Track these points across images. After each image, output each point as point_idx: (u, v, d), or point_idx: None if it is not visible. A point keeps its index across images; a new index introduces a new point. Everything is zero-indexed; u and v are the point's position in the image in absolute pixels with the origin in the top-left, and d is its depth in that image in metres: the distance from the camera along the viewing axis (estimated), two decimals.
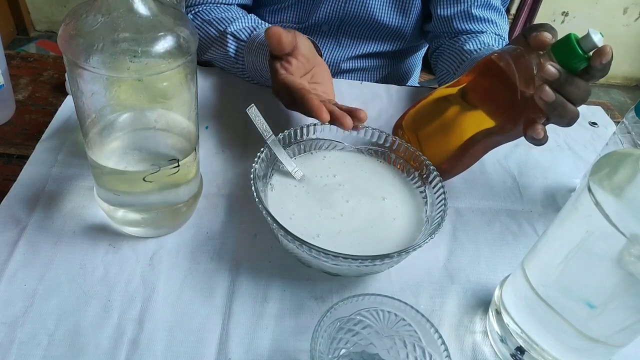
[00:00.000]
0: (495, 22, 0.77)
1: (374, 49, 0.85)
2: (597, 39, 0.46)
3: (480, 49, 0.71)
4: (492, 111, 0.54)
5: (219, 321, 0.46)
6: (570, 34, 0.47)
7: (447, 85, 0.59)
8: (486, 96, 0.55)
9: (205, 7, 0.74)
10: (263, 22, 0.72)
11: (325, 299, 0.49)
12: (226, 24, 0.70)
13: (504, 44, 0.77)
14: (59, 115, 0.64)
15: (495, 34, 0.77)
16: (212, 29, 0.71)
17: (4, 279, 0.47)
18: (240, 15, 0.72)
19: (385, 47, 0.85)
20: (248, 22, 0.71)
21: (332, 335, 0.42)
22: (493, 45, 0.72)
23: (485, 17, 0.77)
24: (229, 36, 0.69)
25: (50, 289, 0.46)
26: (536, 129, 0.48)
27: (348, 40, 0.83)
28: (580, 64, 0.47)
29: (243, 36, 0.68)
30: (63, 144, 0.60)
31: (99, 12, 0.39)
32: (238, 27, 0.69)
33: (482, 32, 0.76)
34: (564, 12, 2.35)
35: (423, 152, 0.57)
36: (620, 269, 0.36)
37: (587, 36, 0.46)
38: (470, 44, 0.73)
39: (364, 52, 0.85)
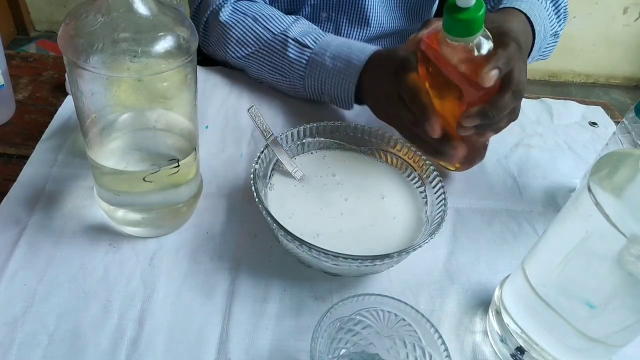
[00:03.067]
0: None
1: (375, 35, 0.83)
2: None
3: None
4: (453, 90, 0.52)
5: (219, 321, 0.46)
6: (445, 6, 0.47)
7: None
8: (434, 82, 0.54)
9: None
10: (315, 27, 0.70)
11: (325, 299, 0.49)
12: (282, 26, 0.68)
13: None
14: (59, 115, 0.64)
15: None
16: (258, 27, 0.68)
17: (4, 279, 0.47)
18: (292, 19, 0.69)
19: (385, 31, 0.83)
20: (305, 26, 0.68)
21: (332, 335, 0.42)
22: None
23: None
24: (290, 40, 0.66)
25: (50, 289, 0.46)
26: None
27: (348, 27, 0.82)
28: (475, 24, 0.47)
29: (307, 42, 0.66)
30: (63, 144, 0.60)
31: (99, 12, 0.39)
32: (297, 33, 0.66)
33: None
34: None
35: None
36: (620, 269, 0.36)
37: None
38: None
39: (365, 39, 0.83)
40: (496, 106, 0.51)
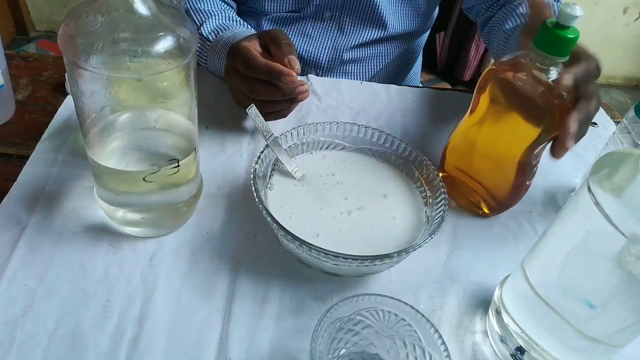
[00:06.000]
0: None
1: (378, 35, 0.83)
2: (574, 11, 0.45)
3: (520, 24, 0.68)
4: (530, 122, 0.50)
5: (219, 321, 0.46)
6: (545, 22, 0.46)
7: (467, 114, 0.56)
8: (515, 113, 0.51)
9: None
10: (238, 20, 0.72)
11: (325, 299, 0.49)
12: (201, 20, 0.70)
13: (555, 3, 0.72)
14: (59, 115, 0.64)
15: None
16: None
17: (4, 279, 0.47)
18: (218, 10, 0.71)
19: (388, 31, 0.83)
20: (221, 20, 0.70)
21: (332, 335, 0.42)
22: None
23: None
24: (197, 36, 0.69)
25: (50, 289, 0.46)
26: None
27: (351, 26, 0.82)
28: (570, 47, 0.46)
29: (211, 38, 0.68)
30: (63, 144, 0.60)
31: (99, 12, 0.39)
32: (209, 29, 0.69)
33: None
34: None
35: (488, 189, 0.56)
36: (620, 269, 0.36)
37: (563, 14, 0.45)
38: (510, 21, 0.70)
39: (367, 39, 0.83)
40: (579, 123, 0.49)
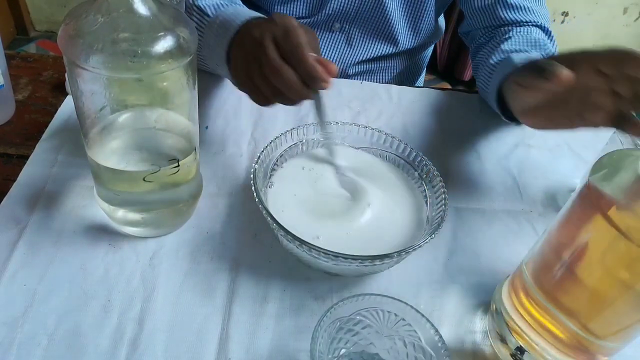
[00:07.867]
0: (533, 10, 0.71)
1: (385, 51, 0.83)
2: None
3: (517, 49, 0.65)
4: None
5: (219, 321, 0.46)
6: None
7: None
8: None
9: None
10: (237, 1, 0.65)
11: (325, 299, 0.49)
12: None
13: (549, 36, 0.72)
14: (59, 115, 0.64)
15: (535, 25, 0.71)
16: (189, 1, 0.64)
17: (4, 279, 0.47)
18: None
19: (399, 47, 0.83)
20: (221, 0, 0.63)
21: (332, 335, 0.42)
22: (537, 41, 0.66)
23: (522, 4, 0.71)
24: (195, 8, 0.61)
25: (50, 289, 0.46)
26: None
27: (360, 40, 0.81)
28: None
29: (209, 11, 0.60)
30: (63, 144, 0.60)
31: (99, 12, 0.39)
32: (206, 3, 0.61)
33: (520, 25, 0.70)
34: (564, 12, 2.35)
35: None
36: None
37: None
38: (495, 56, 0.67)
39: (376, 54, 0.83)
40: None
